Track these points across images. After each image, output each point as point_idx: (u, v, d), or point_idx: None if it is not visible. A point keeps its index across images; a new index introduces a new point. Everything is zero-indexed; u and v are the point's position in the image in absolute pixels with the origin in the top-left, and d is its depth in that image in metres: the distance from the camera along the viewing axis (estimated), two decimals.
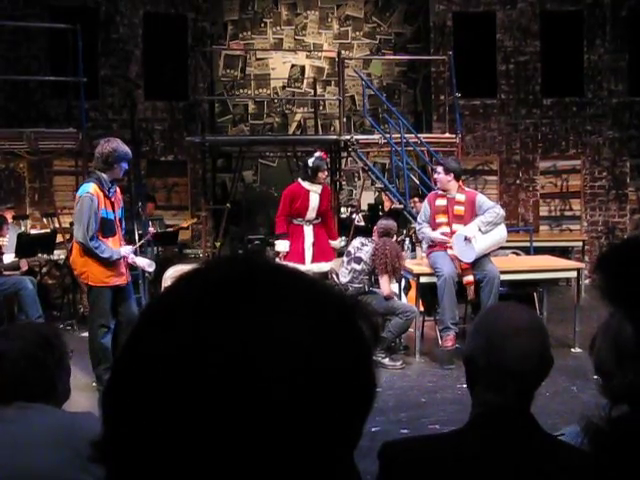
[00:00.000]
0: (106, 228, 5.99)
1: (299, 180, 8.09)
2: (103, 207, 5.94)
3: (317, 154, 8.10)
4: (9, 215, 9.12)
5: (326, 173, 8.08)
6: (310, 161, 7.97)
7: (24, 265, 8.28)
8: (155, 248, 9.68)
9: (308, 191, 7.91)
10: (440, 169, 7.42)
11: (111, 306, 6.09)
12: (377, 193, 12.10)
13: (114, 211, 6.08)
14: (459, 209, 7.28)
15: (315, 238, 7.98)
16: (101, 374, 5.86)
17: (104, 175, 5.96)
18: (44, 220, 10.62)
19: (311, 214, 7.96)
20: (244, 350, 0.62)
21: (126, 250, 6.13)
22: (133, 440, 0.63)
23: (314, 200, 7.94)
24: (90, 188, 5.91)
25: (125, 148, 6.04)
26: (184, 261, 9.83)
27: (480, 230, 7.10)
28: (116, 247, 6.07)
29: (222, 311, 0.63)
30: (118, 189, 6.29)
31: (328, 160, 8.40)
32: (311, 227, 7.98)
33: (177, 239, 10.66)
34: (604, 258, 1.34)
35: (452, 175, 7.30)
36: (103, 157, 5.94)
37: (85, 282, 6.14)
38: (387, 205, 10.76)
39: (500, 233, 7.29)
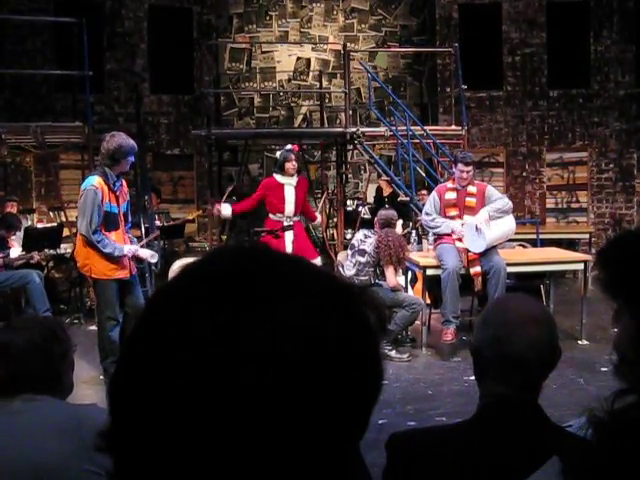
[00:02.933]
0: (109, 222, 5.99)
1: (273, 174, 8.03)
2: (107, 201, 5.94)
3: (287, 147, 8.02)
4: (14, 208, 9.14)
5: (294, 164, 7.88)
6: (278, 153, 7.97)
7: (35, 255, 8.29)
8: (162, 241, 9.71)
9: (282, 184, 7.82)
10: (470, 167, 7.26)
11: (118, 299, 6.10)
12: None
13: (118, 205, 6.08)
14: (471, 200, 7.26)
15: (295, 236, 7.82)
16: (108, 367, 5.87)
17: (110, 170, 5.97)
18: (50, 214, 10.66)
19: (289, 208, 7.80)
20: (249, 340, 0.61)
21: (129, 249, 6.12)
22: (139, 430, 0.63)
23: (289, 193, 7.81)
24: (94, 181, 5.91)
25: (130, 142, 6.03)
26: (190, 254, 9.84)
27: (489, 215, 7.09)
28: (119, 241, 6.06)
29: (226, 302, 0.63)
30: (124, 183, 6.29)
31: (297, 152, 8.19)
32: (291, 224, 7.84)
33: (183, 232, 10.68)
34: (604, 252, 1.34)
35: (472, 166, 7.37)
36: (109, 153, 5.94)
37: (87, 275, 6.16)
38: (387, 190, 10.76)
39: (509, 225, 7.29)
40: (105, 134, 6.21)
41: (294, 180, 7.86)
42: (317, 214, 8.65)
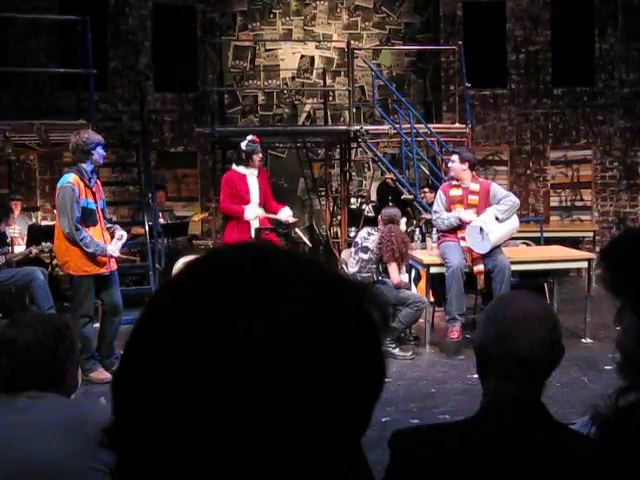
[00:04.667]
0: (87, 218, 6.12)
1: (233, 166, 7.86)
2: (84, 197, 6.09)
3: (249, 137, 7.83)
4: (18, 207, 9.15)
5: (261, 156, 7.82)
6: (243, 144, 7.73)
7: (33, 250, 8.30)
8: (165, 239, 9.71)
9: (245, 175, 7.70)
10: (455, 157, 7.36)
11: (94, 295, 6.19)
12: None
13: (95, 201, 6.19)
14: (473, 198, 7.26)
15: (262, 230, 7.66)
16: (82, 363, 5.88)
17: (84, 165, 6.12)
18: (55, 212, 10.66)
19: (254, 199, 7.68)
20: (250, 336, 0.61)
21: (113, 248, 6.19)
22: (141, 426, 0.63)
23: (253, 184, 7.70)
24: (70, 178, 6.06)
25: (96, 135, 6.25)
26: (194, 252, 9.84)
27: (497, 218, 7.07)
28: (98, 237, 6.17)
29: (229, 301, 0.63)
30: (98, 181, 6.45)
31: (260, 143, 7.88)
32: (257, 219, 7.69)
33: (187, 230, 10.68)
34: (606, 251, 1.34)
35: (467, 164, 7.28)
36: (79, 148, 6.12)
37: (66, 271, 6.24)
38: (390, 180, 10.71)
39: (513, 223, 7.28)
40: (71, 135, 6.39)
41: (256, 172, 7.76)
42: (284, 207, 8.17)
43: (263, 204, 7.77)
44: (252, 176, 7.72)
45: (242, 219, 7.58)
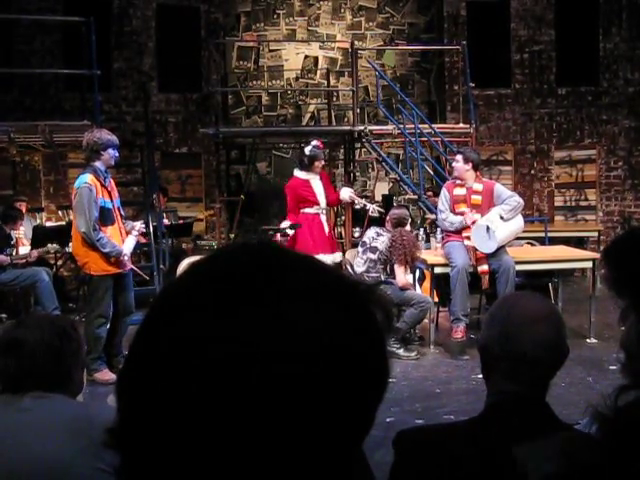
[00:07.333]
0: (105, 217, 6.12)
1: (295, 173, 7.99)
2: (101, 196, 6.08)
3: (314, 142, 7.96)
4: (22, 208, 9.17)
5: (323, 162, 7.97)
6: (307, 150, 7.85)
7: (34, 254, 8.31)
8: (170, 240, 9.73)
9: (308, 180, 7.84)
10: (459, 157, 7.39)
11: (112, 296, 6.18)
12: (391, 184, 12.08)
13: (112, 200, 6.19)
14: (476, 198, 7.26)
15: (330, 228, 7.92)
16: (88, 363, 5.88)
17: (97, 164, 6.11)
18: (59, 213, 10.69)
19: (322, 200, 7.89)
20: (255, 337, 0.62)
21: (128, 247, 6.20)
22: (146, 426, 0.63)
23: (318, 187, 7.87)
24: (87, 178, 6.05)
25: (109, 135, 6.19)
26: (199, 253, 9.85)
27: (502, 217, 7.07)
28: (116, 235, 6.19)
29: (233, 301, 0.63)
30: (112, 179, 6.44)
31: (326, 150, 8.22)
32: (325, 217, 7.96)
33: (191, 231, 10.69)
34: (609, 251, 1.34)
35: (470, 165, 7.29)
36: (89, 147, 6.12)
37: (87, 272, 6.23)
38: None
39: (518, 223, 7.28)
40: (85, 132, 6.37)
41: (317, 176, 7.91)
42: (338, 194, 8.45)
43: (328, 206, 8.05)
44: (315, 180, 7.87)
45: (314, 220, 7.80)
